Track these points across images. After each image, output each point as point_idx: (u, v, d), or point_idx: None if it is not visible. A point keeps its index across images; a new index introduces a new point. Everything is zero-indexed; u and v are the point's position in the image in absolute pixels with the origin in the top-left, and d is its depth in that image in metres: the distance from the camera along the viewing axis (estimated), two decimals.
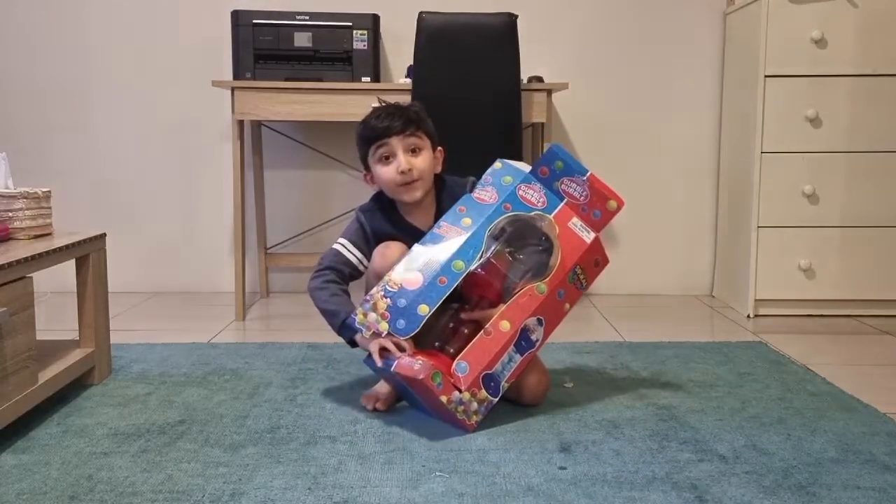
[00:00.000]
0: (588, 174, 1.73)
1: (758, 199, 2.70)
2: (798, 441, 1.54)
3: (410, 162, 1.70)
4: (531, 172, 1.76)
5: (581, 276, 1.70)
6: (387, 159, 1.72)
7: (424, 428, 1.58)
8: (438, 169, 1.80)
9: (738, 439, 1.54)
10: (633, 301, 3.01)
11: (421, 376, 1.49)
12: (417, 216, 1.77)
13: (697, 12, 3.05)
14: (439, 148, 1.80)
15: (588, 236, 1.71)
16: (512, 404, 1.72)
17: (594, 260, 1.73)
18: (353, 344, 1.71)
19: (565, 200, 1.73)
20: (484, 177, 1.77)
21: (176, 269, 3.12)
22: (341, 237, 1.79)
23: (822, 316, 2.74)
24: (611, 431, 1.58)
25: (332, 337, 2.29)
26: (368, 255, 1.77)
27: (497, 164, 1.79)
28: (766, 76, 2.66)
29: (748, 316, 2.73)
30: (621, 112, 3.09)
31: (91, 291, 1.88)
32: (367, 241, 1.77)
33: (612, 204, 1.73)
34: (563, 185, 1.74)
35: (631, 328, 2.55)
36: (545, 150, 1.80)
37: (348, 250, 1.77)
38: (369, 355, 1.67)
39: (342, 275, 1.75)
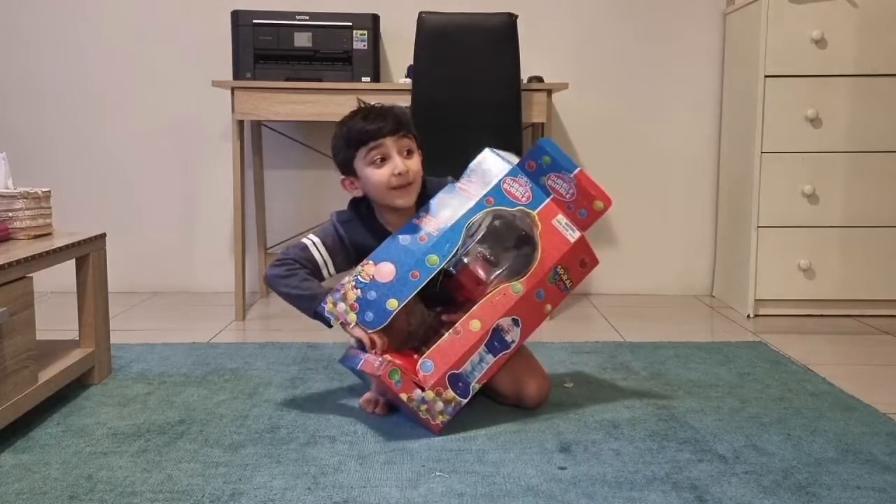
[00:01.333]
0: (575, 171, 1.66)
1: (758, 199, 2.70)
2: (798, 441, 1.54)
3: (406, 164, 1.66)
4: (518, 165, 1.71)
5: (564, 277, 1.66)
6: (382, 161, 1.66)
7: (424, 428, 1.58)
8: (422, 174, 1.73)
9: (738, 439, 1.54)
10: (633, 301, 3.01)
11: (379, 373, 1.49)
12: (398, 225, 1.71)
13: (697, 12, 3.05)
14: (420, 150, 1.74)
15: (573, 235, 1.66)
16: (512, 406, 1.72)
17: (580, 260, 1.67)
18: (330, 325, 1.65)
19: (551, 196, 1.68)
20: (470, 166, 1.72)
21: (176, 269, 3.12)
22: (313, 234, 1.71)
23: (822, 316, 2.74)
24: (611, 431, 1.58)
25: (332, 337, 2.30)
26: (338, 264, 1.70)
27: (485, 154, 1.74)
28: (766, 76, 2.66)
29: (748, 316, 2.73)
30: (621, 112, 3.09)
31: (91, 291, 1.88)
32: (345, 250, 1.70)
33: (599, 204, 1.67)
34: (549, 181, 1.68)
35: (631, 328, 2.55)
36: (536, 142, 1.75)
37: (317, 249, 1.69)
38: (344, 356, 1.66)
39: (305, 270, 1.67)
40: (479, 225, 1.64)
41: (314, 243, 1.70)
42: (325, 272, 1.70)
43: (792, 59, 2.65)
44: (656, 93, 3.08)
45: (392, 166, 1.65)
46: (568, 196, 1.67)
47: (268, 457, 1.45)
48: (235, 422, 1.63)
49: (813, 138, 2.67)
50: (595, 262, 1.71)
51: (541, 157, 1.69)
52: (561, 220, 1.67)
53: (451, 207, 1.65)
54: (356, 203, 1.77)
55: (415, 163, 1.69)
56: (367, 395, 1.72)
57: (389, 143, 1.66)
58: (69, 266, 1.86)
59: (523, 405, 1.70)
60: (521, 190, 1.68)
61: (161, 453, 1.47)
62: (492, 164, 1.72)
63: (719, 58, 3.06)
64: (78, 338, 1.90)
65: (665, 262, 3.15)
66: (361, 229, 1.72)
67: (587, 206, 1.68)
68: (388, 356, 1.54)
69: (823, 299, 2.74)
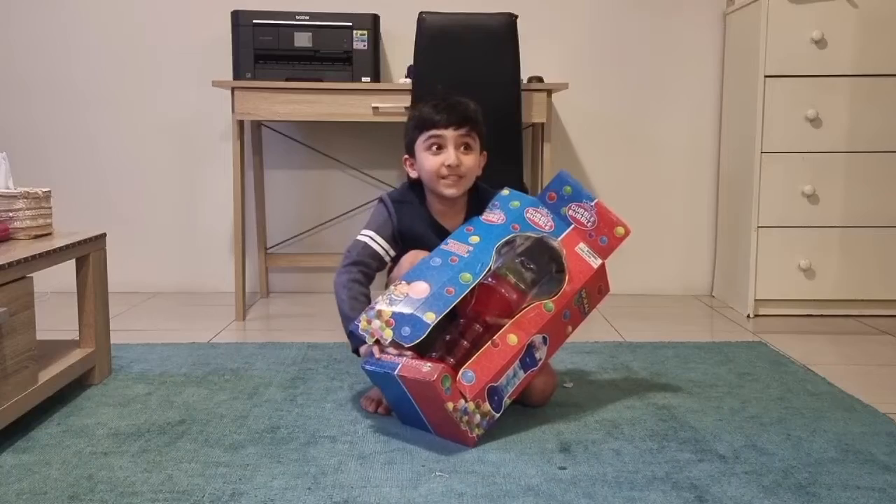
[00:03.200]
0: (596, 200, 1.73)
1: (758, 199, 2.70)
2: (798, 441, 1.54)
3: (460, 158, 1.70)
4: (539, 197, 1.78)
5: (585, 301, 1.69)
6: (438, 149, 1.71)
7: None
8: (479, 172, 1.79)
9: (738, 439, 1.54)
10: (633, 301, 3.01)
11: (432, 378, 1.43)
12: (447, 217, 1.76)
13: (697, 12, 3.05)
14: (484, 152, 1.79)
15: (595, 262, 1.70)
16: (512, 404, 1.71)
17: (598, 287, 1.72)
18: (356, 352, 1.68)
19: (572, 226, 1.73)
20: (491, 202, 1.77)
21: (176, 269, 3.12)
22: (367, 228, 1.76)
23: (822, 316, 2.74)
24: (611, 431, 1.58)
25: (332, 337, 2.30)
26: (393, 246, 1.75)
27: (504, 191, 1.79)
28: (766, 76, 2.66)
29: (748, 316, 2.73)
30: (621, 112, 3.09)
31: (91, 291, 1.88)
32: (393, 234, 1.75)
33: (620, 230, 1.72)
34: (570, 211, 1.74)
35: (631, 328, 2.55)
36: (554, 175, 1.81)
37: (375, 242, 1.74)
38: (370, 360, 1.62)
39: (369, 269, 1.73)
40: (515, 242, 1.68)
41: (371, 238, 1.75)
42: (387, 259, 1.76)
43: (792, 59, 2.65)
44: (656, 93, 3.08)
45: (444, 157, 1.70)
46: (589, 224, 1.73)
47: (268, 457, 1.45)
48: (235, 422, 1.63)
49: (813, 138, 2.68)
50: (608, 289, 1.75)
51: (562, 188, 1.76)
52: (583, 248, 1.72)
53: (478, 234, 1.68)
54: (411, 185, 1.81)
55: (469, 159, 1.73)
56: (369, 395, 1.73)
57: (449, 134, 1.71)
58: (69, 266, 1.86)
59: (527, 401, 1.70)
60: (543, 219, 1.73)
61: (161, 453, 1.47)
62: (512, 198, 1.77)
63: (719, 58, 3.06)
64: (78, 338, 1.90)
65: (665, 262, 3.15)
66: (411, 211, 1.77)
67: (608, 232, 1.72)
68: (428, 361, 1.51)
69: (823, 299, 2.74)
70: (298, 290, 3.12)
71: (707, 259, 3.16)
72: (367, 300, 1.70)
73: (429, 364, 1.48)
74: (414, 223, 1.75)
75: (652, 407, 1.73)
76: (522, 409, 1.69)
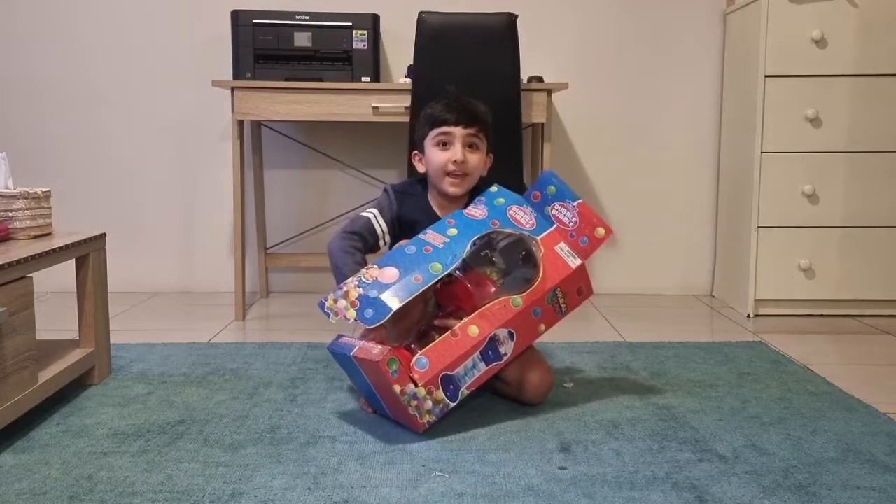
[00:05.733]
0: (579, 200, 1.74)
1: (758, 199, 2.70)
2: (798, 441, 1.54)
3: (466, 156, 1.76)
4: (524, 196, 1.80)
5: (561, 301, 1.69)
6: (444, 145, 1.78)
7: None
8: (484, 174, 1.85)
9: (738, 439, 1.54)
10: (633, 301, 3.01)
11: (378, 359, 1.47)
12: (447, 211, 1.81)
13: (697, 12, 3.05)
14: (490, 154, 1.85)
15: (574, 262, 1.70)
16: (512, 403, 1.72)
17: (577, 288, 1.72)
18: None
19: (555, 225, 1.75)
20: (478, 197, 1.79)
21: (176, 269, 3.12)
22: (372, 207, 1.84)
23: (822, 316, 2.74)
24: (611, 431, 1.58)
25: (331, 337, 2.30)
26: (391, 231, 1.83)
27: (493, 188, 1.81)
28: (766, 76, 2.66)
29: (748, 316, 2.73)
30: (621, 112, 3.09)
31: (91, 291, 1.88)
32: (392, 220, 1.83)
33: (601, 231, 1.73)
34: (553, 210, 1.76)
35: (631, 328, 2.55)
36: (539, 175, 1.84)
37: (377, 221, 1.82)
38: (335, 342, 1.65)
39: (367, 244, 1.81)
40: (489, 238, 1.69)
41: (374, 215, 1.82)
42: (381, 242, 1.84)
43: (792, 59, 2.65)
44: (656, 93, 3.08)
45: (452, 153, 1.77)
46: (571, 224, 1.74)
47: (268, 457, 1.45)
48: (235, 422, 1.63)
49: (813, 138, 2.67)
50: (590, 292, 1.76)
51: (546, 188, 1.78)
52: (563, 248, 1.72)
53: (457, 227, 1.69)
54: (417, 179, 1.89)
55: (475, 158, 1.80)
56: None
57: (457, 132, 1.77)
58: (69, 266, 1.86)
59: (523, 396, 1.70)
60: (525, 217, 1.74)
61: (161, 453, 1.47)
62: (499, 195, 1.79)
63: (719, 58, 3.06)
64: (78, 338, 1.90)
65: (665, 262, 3.15)
66: (412, 202, 1.85)
67: (589, 233, 1.73)
68: (382, 345, 1.54)
69: (823, 299, 2.74)
70: (298, 290, 3.13)
71: (707, 259, 3.16)
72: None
73: (380, 347, 1.52)
74: (413, 213, 1.82)
75: (652, 407, 1.73)
76: (522, 409, 1.69)
